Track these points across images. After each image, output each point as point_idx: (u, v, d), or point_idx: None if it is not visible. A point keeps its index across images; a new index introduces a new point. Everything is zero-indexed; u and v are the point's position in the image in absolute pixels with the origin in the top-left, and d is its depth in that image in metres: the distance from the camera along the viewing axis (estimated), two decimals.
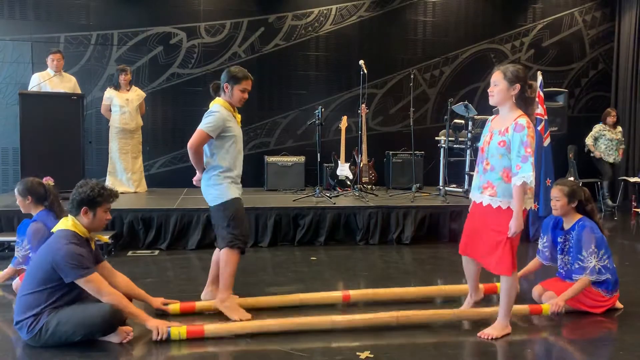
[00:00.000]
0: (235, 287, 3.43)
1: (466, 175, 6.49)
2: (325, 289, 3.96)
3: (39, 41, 7.12)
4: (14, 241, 3.99)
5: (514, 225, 2.89)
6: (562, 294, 3.37)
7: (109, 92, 6.43)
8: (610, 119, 7.72)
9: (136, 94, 6.53)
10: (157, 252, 5.10)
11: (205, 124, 3.22)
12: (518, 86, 2.90)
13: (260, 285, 4.05)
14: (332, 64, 7.82)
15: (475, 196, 3.10)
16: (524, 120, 2.86)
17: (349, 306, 3.57)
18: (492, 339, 3.01)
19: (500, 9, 8.27)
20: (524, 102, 2.93)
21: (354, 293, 3.64)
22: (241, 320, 3.17)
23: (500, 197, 2.92)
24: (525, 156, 2.81)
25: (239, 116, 3.42)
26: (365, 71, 6.40)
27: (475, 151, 6.63)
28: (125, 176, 6.47)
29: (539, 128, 5.69)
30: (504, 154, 2.89)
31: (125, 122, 6.39)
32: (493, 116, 3.18)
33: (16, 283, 3.63)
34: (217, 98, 3.38)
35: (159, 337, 2.89)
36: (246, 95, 3.37)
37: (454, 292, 3.83)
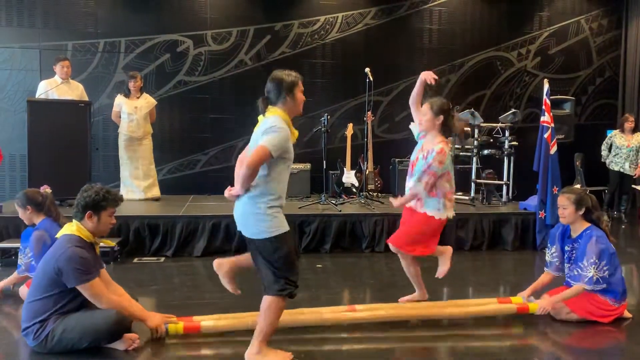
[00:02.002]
0: (240, 296, 3.36)
1: (472, 183, 6.47)
2: (331, 297, 3.96)
3: (47, 49, 7.18)
4: (18, 248, 4.01)
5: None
6: (553, 296, 3.43)
7: (119, 99, 6.45)
8: (628, 125, 7.42)
9: (146, 102, 6.51)
10: (162, 259, 5.10)
11: (270, 142, 2.71)
12: (441, 117, 3.48)
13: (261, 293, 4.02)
14: (338, 72, 7.84)
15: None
16: (439, 147, 3.43)
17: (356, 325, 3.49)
18: None
19: (506, 16, 8.27)
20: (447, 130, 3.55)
21: (360, 307, 3.53)
22: None
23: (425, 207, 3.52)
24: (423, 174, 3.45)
25: (296, 132, 2.89)
26: (371, 78, 6.41)
27: (481, 159, 6.62)
28: (134, 183, 6.46)
29: (545, 136, 5.67)
30: (424, 172, 3.46)
31: (132, 130, 6.39)
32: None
33: (23, 290, 3.64)
34: (272, 109, 2.85)
35: (159, 335, 2.96)
36: (304, 97, 2.97)
37: (459, 314, 3.58)
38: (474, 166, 6.49)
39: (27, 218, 3.66)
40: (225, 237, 5.31)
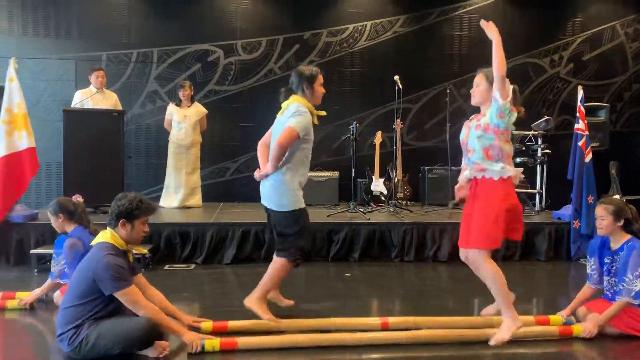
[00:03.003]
0: (269, 304, 3.42)
1: None
2: (360, 307, 3.92)
3: (82, 59, 7.37)
4: (52, 255, 4.10)
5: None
6: (598, 317, 3.26)
7: (170, 108, 6.54)
8: None
9: (195, 110, 6.56)
10: (193, 266, 5.15)
11: (297, 123, 3.16)
12: None
13: (294, 300, 4.02)
14: (366, 80, 7.83)
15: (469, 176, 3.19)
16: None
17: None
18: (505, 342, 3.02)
19: (538, 22, 8.14)
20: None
21: (393, 320, 3.44)
22: (269, 319, 3.24)
23: (488, 172, 3.08)
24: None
25: (322, 112, 3.38)
26: (401, 86, 6.38)
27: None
28: (177, 191, 6.52)
29: (579, 144, 5.54)
30: (481, 135, 3.10)
31: (180, 138, 6.46)
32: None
33: (57, 296, 3.71)
34: (294, 97, 3.31)
35: (194, 350, 2.91)
36: (324, 90, 3.37)
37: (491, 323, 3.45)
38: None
39: (59, 226, 3.73)
40: (254, 245, 5.33)
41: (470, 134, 3.20)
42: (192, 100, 6.62)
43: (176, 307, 3.27)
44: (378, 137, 6.91)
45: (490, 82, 3.11)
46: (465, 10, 8.01)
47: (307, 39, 7.72)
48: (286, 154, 3.22)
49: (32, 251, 4.87)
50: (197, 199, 6.67)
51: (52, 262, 3.79)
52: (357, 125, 6.44)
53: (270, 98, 7.54)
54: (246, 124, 7.55)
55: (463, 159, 3.30)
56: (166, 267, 5.07)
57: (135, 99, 7.44)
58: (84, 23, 7.39)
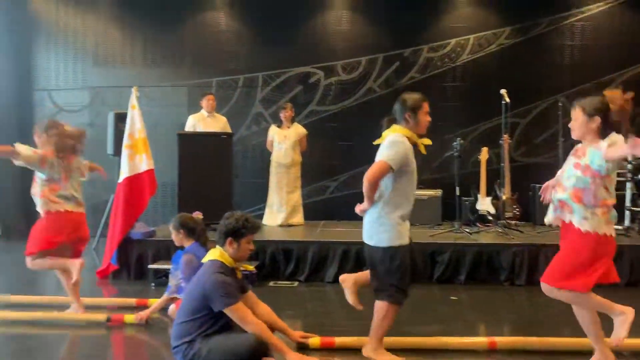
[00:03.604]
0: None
1: (627, 211, 5.82)
2: (468, 332, 3.75)
3: (194, 86, 7.88)
4: (169, 270, 4.38)
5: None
6: None
7: (272, 129, 6.79)
8: None
9: (295, 131, 6.75)
10: (296, 283, 5.23)
11: (388, 156, 3.02)
12: (598, 119, 2.88)
13: (397, 323, 3.91)
14: (470, 94, 7.58)
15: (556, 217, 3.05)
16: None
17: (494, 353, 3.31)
18: None
19: None
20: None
21: (501, 340, 3.37)
22: None
23: (576, 217, 2.89)
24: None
25: (427, 140, 3.20)
26: (508, 100, 6.10)
27: (637, 184, 5.95)
28: (279, 209, 6.70)
29: None
30: (579, 175, 2.89)
31: (280, 158, 6.66)
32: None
33: (172, 309, 3.92)
34: (395, 126, 3.16)
35: None
36: (429, 118, 3.19)
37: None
38: (629, 192, 5.84)
39: (178, 240, 3.97)
40: (355, 264, 5.29)
41: (569, 169, 2.98)
42: (292, 121, 6.80)
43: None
44: (484, 154, 6.64)
45: (587, 114, 2.89)
46: (577, 18, 7.54)
47: (408, 56, 7.66)
48: (383, 187, 3.06)
49: (150, 266, 5.21)
50: (298, 217, 6.80)
51: (169, 276, 4.02)
52: (461, 141, 6.24)
53: (369, 116, 7.54)
54: (345, 143, 7.61)
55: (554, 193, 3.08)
56: (271, 283, 5.19)
57: (241, 122, 7.79)
58: (196, 52, 7.91)
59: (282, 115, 6.74)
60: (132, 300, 4.42)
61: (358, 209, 3.18)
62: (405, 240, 3.09)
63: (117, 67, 8.07)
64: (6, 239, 7.66)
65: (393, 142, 3.05)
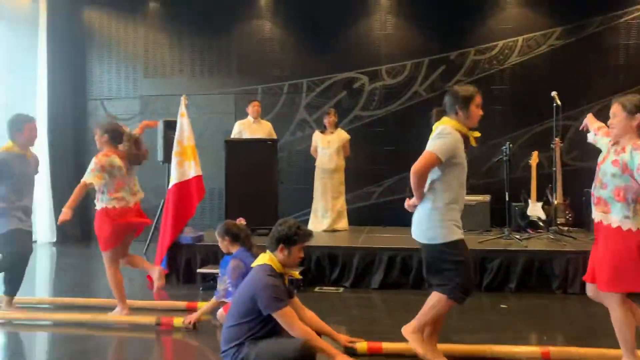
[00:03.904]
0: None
1: None
2: (519, 341, 3.64)
3: (240, 93, 8.02)
4: (217, 274, 4.46)
5: None
6: None
7: (316, 135, 6.81)
8: None
9: (338, 137, 6.74)
10: (341, 289, 5.21)
11: (437, 146, 2.92)
12: (638, 117, 2.85)
13: (445, 331, 3.84)
14: (518, 97, 7.40)
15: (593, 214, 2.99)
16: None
17: None
18: None
19: None
20: None
21: (555, 350, 3.26)
22: (430, 357, 3.03)
23: (613, 216, 2.84)
24: None
25: (476, 133, 3.10)
26: (559, 102, 5.91)
27: None
28: (324, 215, 6.71)
29: None
30: (617, 174, 2.84)
31: (324, 164, 6.68)
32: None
33: (220, 313, 3.97)
34: (445, 118, 3.06)
35: None
36: (481, 112, 3.10)
37: None
38: None
39: (224, 247, 4.04)
40: (401, 271, 5.24)
41: (606, 165, 2.94)
42: (335, 126, 6.81)
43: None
44: (534, 158, 6.45)
45: (628, 111, 2.85)
46: (632, 16, 7.24)
47: (454, 59, 7.55)
48: (434, 181, 2.96)
49: (198, 270, 5.31)
50: (343, 223, 6.78)
51: (217, 281, 4.09)
52: (510, 145, 6.09)
53: (415, 121, 7.49)
54: (391, 148, 7.56)
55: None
56: (316, 289, 5.19)
57: (286, 128, 7.86)
58: (241, 60, 8.05)
59: (325, 120, 6.76)
60: (182, 304, 4.53)
61: (407, 204, 3.11)
62: (459, 235, 2.96)
63: (166, 76, 8.31)
64: (62, 245, 7.98)
65: (441, 133, 2.97)
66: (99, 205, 4.15)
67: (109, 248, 4.15)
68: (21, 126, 4.33)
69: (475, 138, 3.15)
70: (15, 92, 7.99)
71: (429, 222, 2.97)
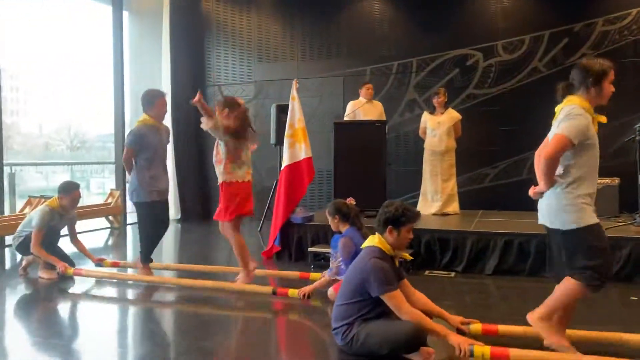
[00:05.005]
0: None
1: None
2: None
3: (349, 75, 8.03)
4: (328, 252, 4.55)
5: None
6: None
7: (425, 116, 6.69)
8: None
9: (449, 117, 6.55)
10: (453, 274, 5.08)
11: (567, 128, 2.72)
12: None
13: (572, 323, 3.62)
14: None
15: None
16: None
17: None
18: None
19: None
20: None
21: None
22: (557, 345, 2.87)
23: None
24: None
25: (603, 118, 2.87)
26: None
27: None
28: (433, 198, 6.59)
29: None
30: None
31: (434, 145, 6.54)
32: None
33: (331, 292, 4.07)
34: (571, 97, 2.86)
35: (462, 354, 2.84)
36: (613, 88, 2.86)
37: None
38: None
39: (334, 225, 4.13)
40: (518, 256, 4.99)
41: None
42: (445, 107, 6.58)
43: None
44: None
45: None
46: None
47: (578, 31, 6.97)
48: (565, 166, 2.79)
49: (310, 249, 5.46)
50: (454, 206, 6.58)
51: (330, 259, 4.19)
52: None
53: (534, 98, 7.05)
54: (507, 128, 7.18)
55: None
56: (426, 272, 5.12)
57: (394, 109, 7.76)
58: (350, 42, 8.05)
59: (434, 101, 6.57)
60: (296, 274, 4.82)
61: (532, 191, 2.95)
62: (594, 219, 2.78)
63: (278, 61, 8.55)
64: (186, 221, 8.62)
65: (571, 114, 2.75)
66: (220, 178, 4.34)
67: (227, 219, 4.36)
68: (153, 100, 4.74)
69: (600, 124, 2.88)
70: (142, 78, 8.73)
71: (564, 208, 2.80)
